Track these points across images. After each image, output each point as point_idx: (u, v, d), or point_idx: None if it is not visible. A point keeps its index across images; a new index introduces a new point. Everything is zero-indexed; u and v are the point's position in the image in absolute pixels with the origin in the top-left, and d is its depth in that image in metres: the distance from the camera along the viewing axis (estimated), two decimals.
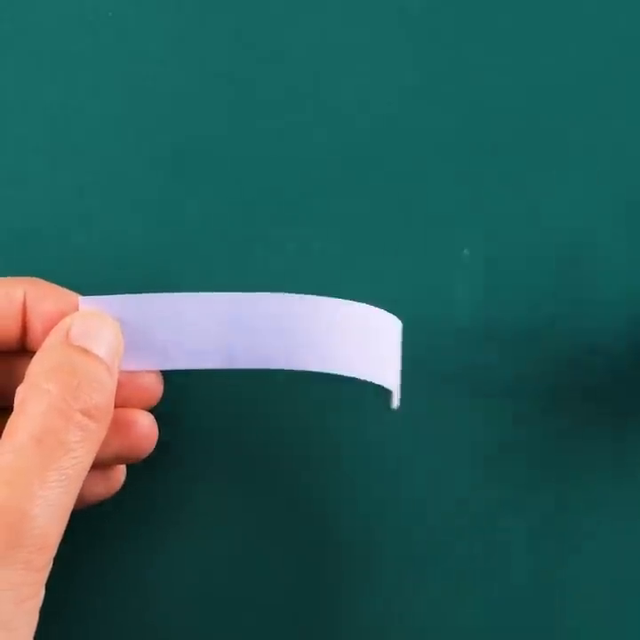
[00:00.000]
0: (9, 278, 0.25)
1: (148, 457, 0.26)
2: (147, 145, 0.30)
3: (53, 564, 0.22)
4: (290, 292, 0.26)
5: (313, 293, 0.25)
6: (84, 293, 0.26)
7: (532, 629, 0.29)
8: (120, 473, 0.27)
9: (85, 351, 0.24)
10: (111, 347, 0.25)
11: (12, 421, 0.22)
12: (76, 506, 0.23)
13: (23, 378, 0.24)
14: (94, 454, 0.23)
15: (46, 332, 0.25)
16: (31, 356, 0.24)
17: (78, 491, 0.22)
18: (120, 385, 0.25)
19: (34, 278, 0.26)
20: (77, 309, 0.25)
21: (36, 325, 0.25)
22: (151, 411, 0.26)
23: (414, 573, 0.29)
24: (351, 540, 0.29)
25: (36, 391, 0.23)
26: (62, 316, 0.25)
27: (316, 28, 0.30)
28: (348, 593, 0.29)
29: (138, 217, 0.30)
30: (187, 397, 0.29)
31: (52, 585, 0.22)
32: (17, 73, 0.30)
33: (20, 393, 0.23)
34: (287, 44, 0.30)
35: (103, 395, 0.23)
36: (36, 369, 0.23)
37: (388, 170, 0.30)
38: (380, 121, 0.30)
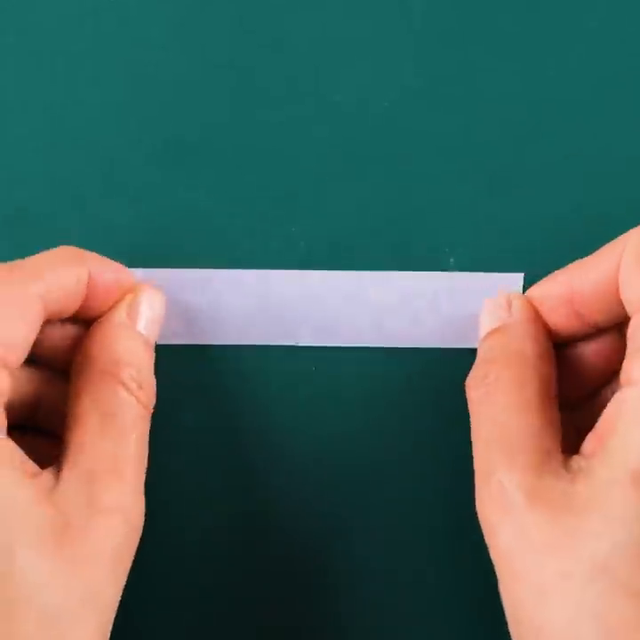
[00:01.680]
0: (72, 254, 0.26)
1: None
2: (145, 134, 0.30)
3: None
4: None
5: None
6: None
7: None
8: None
9: (146, 342, 0.26)
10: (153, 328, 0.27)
11: (88, 405, 0.24)
12: None
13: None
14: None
15: (105, 301, 0.27)
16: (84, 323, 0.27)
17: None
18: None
19: (90, 253, 0.27)
20: (131, 280, 0.27)
21: (96, 295, 0.26)
22: None
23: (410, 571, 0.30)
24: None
25: (111, 379, 0.25)
26: (120, 286, 0.27)
27: (318, 20, 0.30)
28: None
29: (134, 205, 0.30)
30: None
31: None
32: (16, 61, 0.30)
33: (97, 377, 0.25)
34: (289, 36, 0.30)
35: (153, 385, 0.26)
36: (104, 355, 0.25)
37: (384, 166, 0.30)
38: (380, 116, 0.30)
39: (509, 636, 0.24)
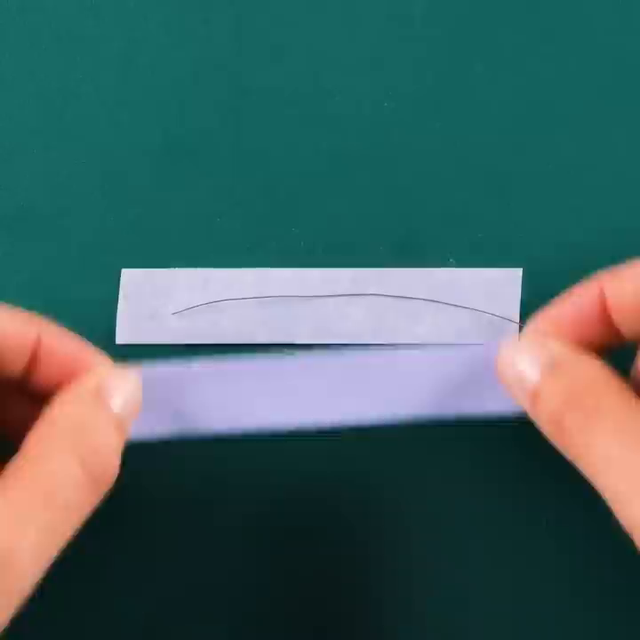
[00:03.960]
0: (23, 314, 0.25)
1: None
2: (145, 135, 0.30)
3: None
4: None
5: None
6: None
7: None
8: None
9: (115, 419, 0.24)
10: (130, 410, 0.25)
11: (20, 461, 0.23)
12: None
13: (13, 413, 0.25)
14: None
15: (59, 377, 0.25)
16: (27, 396, 0.25)
17: (67, 537, 0.23)
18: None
19: (46, 321, 0.25)
20: (90, 359, 0.25)
21: (46, 367, 0.25)
22: None
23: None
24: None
25: (59, 446, 0.23)
26: (76, 363, 0.25)
27: (319, 24, 0.30)
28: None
29: (134, 205, 0.30)
30: None
31: None
32: (16, 61, 0.30)
33: (41, 440, 0.23)
34: (289, 39, 0.30)
35: (114, 465, 0.24)
36: (61, 422, 0.23)
37: (384, 166, 0.30)
38: (380, 117, 0.30)
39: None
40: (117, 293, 0.29)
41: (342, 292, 0.29)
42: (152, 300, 0.29)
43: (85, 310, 0.29)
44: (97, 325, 0.29)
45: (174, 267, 0.29)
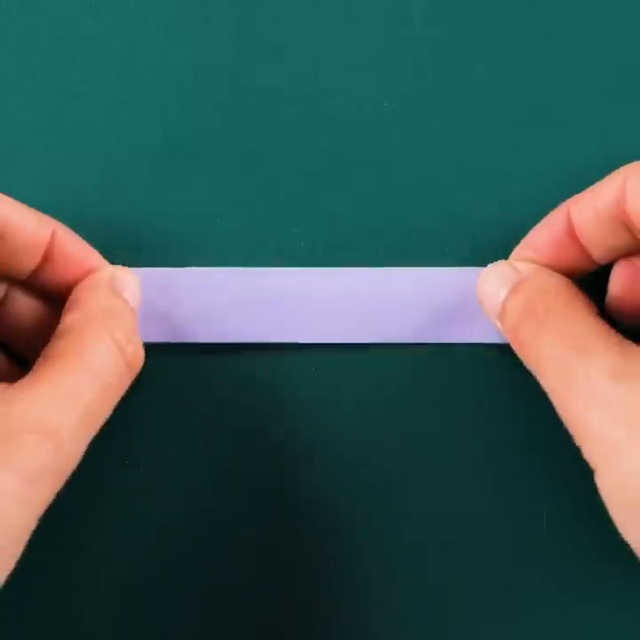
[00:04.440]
0: (39, 214, 0.26)
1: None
2: (145, 136, 0.30)
3: None
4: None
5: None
6: None
7: None
8: None
9: (128, 305, 0.26)
10: (137, 303, 0.27)
11: (63, 343, 0.24)
12: None
13: (16, 308, 0.27)
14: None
15: (67, 276, 0.26)
16: (32, 292, 0.27)
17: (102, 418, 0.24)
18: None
19: (58, 222, 0.27)
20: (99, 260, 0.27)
21: (57, 265, 0.26)
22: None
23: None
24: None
25: (96, 329, 0.24)
26: (84, 263, 0.27)
27: (319, 24, 0.30)
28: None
29: (134, 206, 0.30)
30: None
31: None
32: (17, 62, 0.30)
33: (71, 320, 0.25)
34: (289, 39, 0.30)
35: (140, 346, 0.26)
36: (92, 306, 0.25)
37: (384, 166, 0.30)
38: (379, 117, 0.30)
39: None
40: None
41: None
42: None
43: None
44: None
45: (174, 266, 0.29)
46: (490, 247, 0.29)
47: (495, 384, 0.29)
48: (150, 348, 0.29)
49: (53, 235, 0.26)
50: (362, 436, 0.29)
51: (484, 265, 0.29)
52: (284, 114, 0.30)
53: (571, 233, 0.27)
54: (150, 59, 0.30)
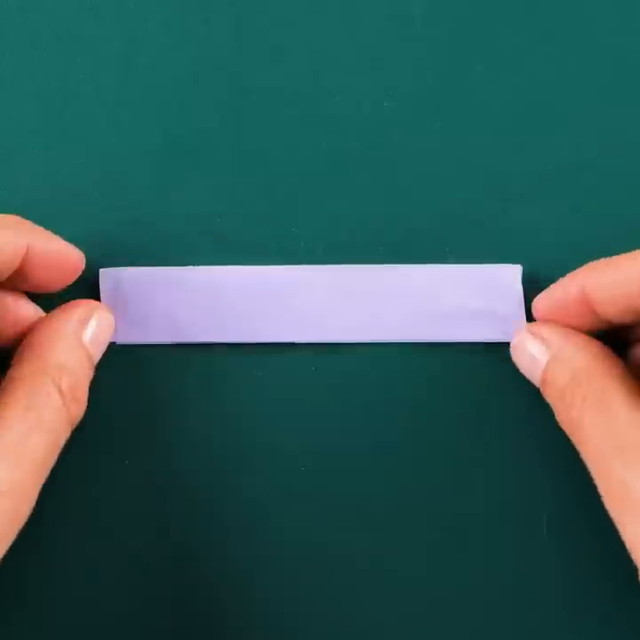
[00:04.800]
0: (12, 221, 0.26)
1: None
2: (145, 136, 0.30)
3: None
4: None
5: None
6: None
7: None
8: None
9: (89, 358, 0.27)
10: (101, 344, 0.28)
11: (8, 386, 0.25)
12: None
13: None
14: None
15: (47, 277, 0.27)
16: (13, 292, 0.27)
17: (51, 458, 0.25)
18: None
19: (34, 226, 0.27)
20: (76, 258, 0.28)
21: (35, 270, 0.27)
22: None
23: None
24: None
25: (44, 379, 0.25)
26: (62, 262, 0.27)
27: (319, 24, 0.30)
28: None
29: (134, 206, 0.30)
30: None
31: None
32: (17, 62, 0.30)
33: (21, 368, 0.25)
34: (289, 39, 0.30)
35: (84, 396, 0.26)
36: (49, 357, 0.26)
37: (384, 166, 0.30)
38: (379, 117, 0.30)
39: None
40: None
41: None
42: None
43: None
44: None
45: (174, 266, 0.29)
46: (490, 247, 0.29)
47: (496, 384, 0.29)
48: (151, 348, 0.29)
49: (28, 244, 0.26)
50: (362, 436, 0.29)
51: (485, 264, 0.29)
52: (283, 114, 0.30)
53: (587, 303, 0.27)
54: (150, 59, 0.30)
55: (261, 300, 0.29)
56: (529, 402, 0.29)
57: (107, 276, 0.29)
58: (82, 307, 0.27)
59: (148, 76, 0.30)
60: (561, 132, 0.30)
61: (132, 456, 0.29)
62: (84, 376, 0.26)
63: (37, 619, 0.29)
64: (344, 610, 0.29)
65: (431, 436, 0.29)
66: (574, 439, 0.25)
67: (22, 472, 0.23)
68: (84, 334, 0.27)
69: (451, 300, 0.29)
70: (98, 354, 0.27)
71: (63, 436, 0.25)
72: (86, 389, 0.26)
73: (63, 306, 0.28)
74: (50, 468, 0.25)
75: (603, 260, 0.26)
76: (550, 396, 0.26)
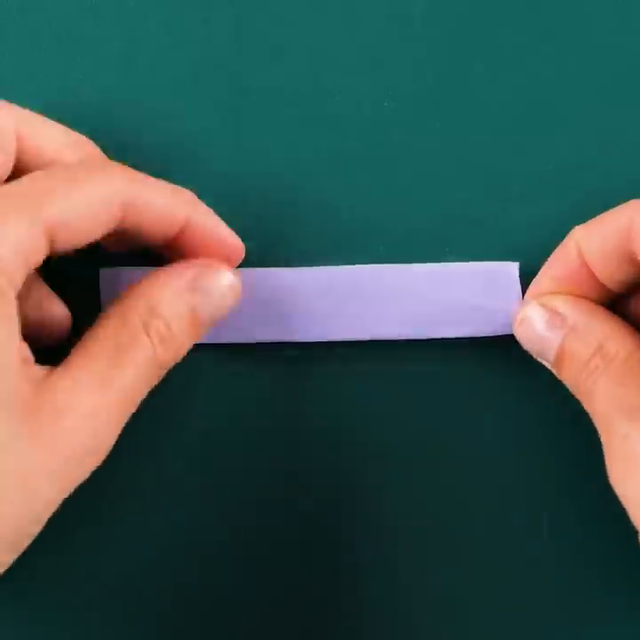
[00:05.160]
0: (176, 191, 0.27)
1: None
2: (145, 136, 0.30)
3: None
4: None
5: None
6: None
7: None
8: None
9: (193, 313, 0.26)
10: (218, 308, 0.27)
11: (103, 322, 0.25)
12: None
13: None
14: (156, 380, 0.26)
15: (197, 249, 0.27)
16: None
17: (137, 399, 0.25)
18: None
19: (196, 201, 0.27)
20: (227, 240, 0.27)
21: (188, 240, 0.27)
22: None
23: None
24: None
25: (132, 314, 0.25)
26: (214, 242, 0.27)
27: (319, 23, 0.30)
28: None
29: None
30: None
31: None
32: (17, 61, 0.30)
33: (125, 309, 0.25)
34: (290, 39, 0.30)
35: (182, 344, 0.26)
36: (141, 302, 0.25)
37: (383, 166, 0.30)
38: (379, 117, 0.30)
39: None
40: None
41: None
42: None
43: (86, 311, 0.29)
44: None
45: None
46: (490, 247, 0.29)
47: (497, 381, 0.29)
48: None
49: (188, 216, 0.26)
50: (362, 436, 0.29)
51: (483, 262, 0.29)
52: (284, 114, 0.30)
53: (584, 263, 0.27)
54: (150, 59, 0.30)
55: (258, 301, 0.29)
56: (530, 398, 0.29)
57: (107, 276, 0.29)
58: (199, 268, 0.27)
59: (148, 76, 0.30)
60: (561, 132, 0.30)
61: (132, 456, 0.29)
62: (180, 331, 0.26)
63: (35, 617, 0.29)
64: (344, 611, 0.29)
65: (431, 434, 0.29)
66: (587, 403, 0.26)
67: (106, 400, 0.24)
68: (192, 295, 0.26)
69: (450, 297, 0.29)
70: (207, 322, 0.27)
71: (151, 375, 0.25)
72: (181, 344, 0.26)
73: (186, 262, 0.27)
74: (135, 405, 0.25)
75: (589, 221, 0.27)
76: (571, 369, 0.26)
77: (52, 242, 0.24)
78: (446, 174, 0.30)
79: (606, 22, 0.30)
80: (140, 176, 0.26)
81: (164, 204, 0.26)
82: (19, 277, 0.23)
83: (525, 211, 0.30)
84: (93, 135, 0.30)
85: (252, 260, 0.29)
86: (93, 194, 0.24)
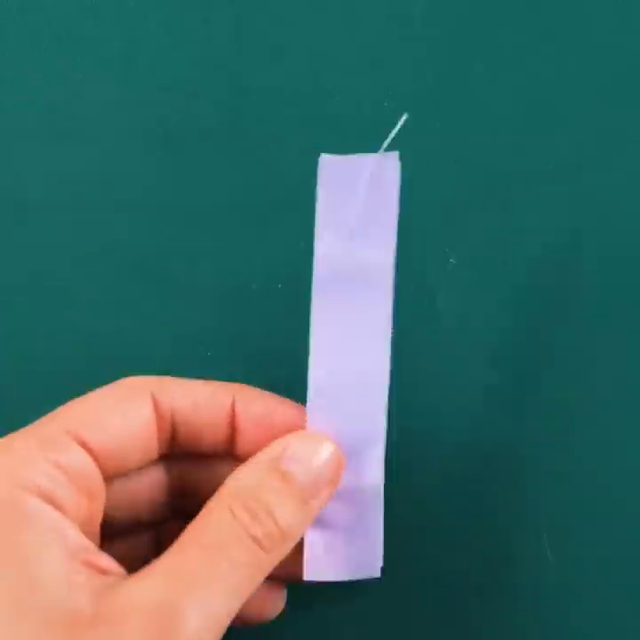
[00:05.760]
0: (216, 383, 0.25)
1: None
2: (145, 136, 0.30)
3: None
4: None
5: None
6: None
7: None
8: (282, 595, 0.27)
9: (284, 479, 0.23)
10: (318, 476, 0.23)
11: (189, 526, 0.22)
12: (233, 623, 0.22)
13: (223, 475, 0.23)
14: (260, 579, 0.22)
15: (256, 436, 0.24)
16: (236, 463, 0.24)
17: (235, 608, 0.21)
18: None
19: (240, 384, 0.26)
20: (287, 413, 0.25)
21: (246, 428, 0.25)
22: None
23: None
24: None
25: (220, 505, 0.22)
26: (271, 418, 0.25)
27: (319, 23, 0.30)
28: None
29: (133, 206, 0.30)
30: None
31: None
32: (17, 61, 0.30)
33: (210, 502, 0.23)
34: (289, 39, 0.30)
35: (280, 527, 0.22)
36: (230, 483, 0.23)
37: None
38: (379, 117, 0.30)
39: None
40: (117, 295, 0.29)
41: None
42: None
43: (86, 310, 0.29)
44: (99, 326, 0.29)
45: (174, 268, 0.29)
46: (490, 247, 0.29)
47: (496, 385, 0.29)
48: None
49: (234, 402, 0.25)
50: None
51: (484, 265, 0.29)
52: (283, 114, 0.30)
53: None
54: (150, 59, 0.30)
55: None
56: (529, 406, 0.29)
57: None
58: (290, 437, 0.24)
59: (148, 75, 0.30)
60: (561, 132, 0.30)
61: None
62: (270, 503, 0.22)
63: None
64: (344, 610, 0.29)
65: (434, 432, 0.29)
66: None
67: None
68: (294, 473, 0.23)
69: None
70: (320, 502, 0.23)
71: (250, 577, 0.22)
72: (280, 527, 0.22)
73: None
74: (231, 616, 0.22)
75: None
76: None
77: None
78: (446, 174, 0.30)
79: (606, 22, 0.30)
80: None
81: (206, 396, 0.25)
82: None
83: (525, 211, 0.29)
84: (93, 136, 0.30)
85: (255, 267, 0.29)
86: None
